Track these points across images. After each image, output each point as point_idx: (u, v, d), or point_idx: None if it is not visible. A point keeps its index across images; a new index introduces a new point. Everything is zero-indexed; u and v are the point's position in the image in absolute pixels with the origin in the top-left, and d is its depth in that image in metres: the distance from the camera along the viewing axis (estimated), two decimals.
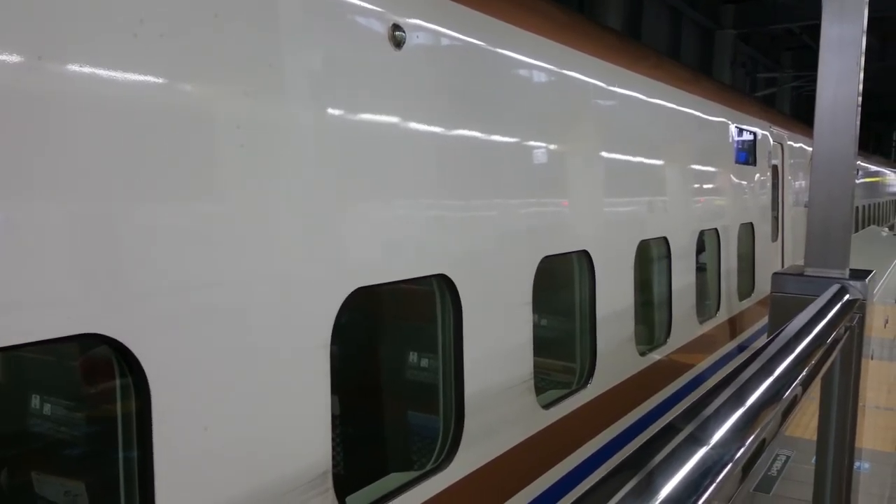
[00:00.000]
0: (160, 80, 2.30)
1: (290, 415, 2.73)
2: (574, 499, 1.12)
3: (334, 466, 2.91)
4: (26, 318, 1.97)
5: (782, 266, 10.66)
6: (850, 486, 3.13)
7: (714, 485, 1.29)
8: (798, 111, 30.68)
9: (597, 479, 1.19)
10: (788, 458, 5.81)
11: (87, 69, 2.09)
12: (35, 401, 3.39)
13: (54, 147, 2.01)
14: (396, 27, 3.23)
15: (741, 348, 8.46)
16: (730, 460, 1.39)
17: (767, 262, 9.70)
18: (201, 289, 2.42)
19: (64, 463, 3.48)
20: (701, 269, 7.46)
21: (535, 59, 4.39)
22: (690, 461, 1.32)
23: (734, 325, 8.41)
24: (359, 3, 3.10)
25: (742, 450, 1.46)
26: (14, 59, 1.93)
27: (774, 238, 10.47)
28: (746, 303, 8.89)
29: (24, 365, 3.42)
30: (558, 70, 4.64)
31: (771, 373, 1.98)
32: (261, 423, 2.61)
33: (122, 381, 2.29)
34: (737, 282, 8.53)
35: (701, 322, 7.27)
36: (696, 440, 1.41)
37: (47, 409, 3.38)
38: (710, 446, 1.40)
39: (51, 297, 2.02)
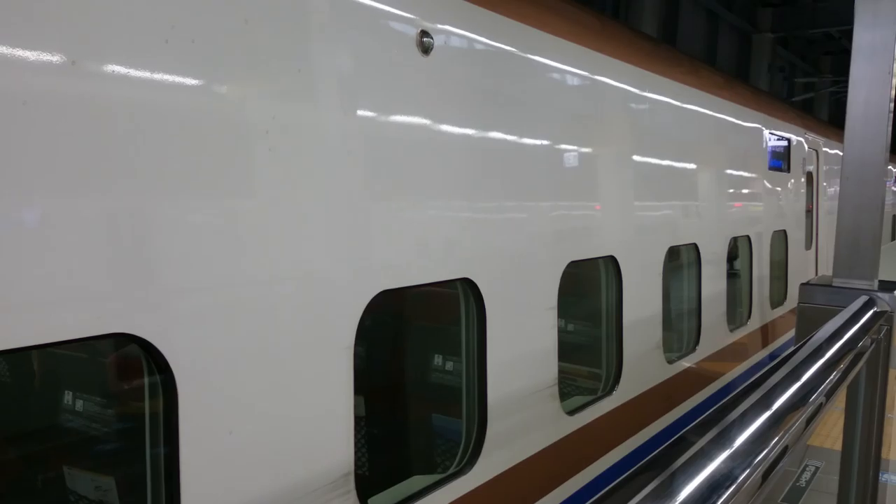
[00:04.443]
0: (191, 84, 2.35)
1: (314, 416, 2.77)
2: (594, 497, 1.13)
3: (357, 468, 2.94)
4: (57, 316, 2.03)
5: (816, 274, 10.52)
6: (876, 497, 3.09)
7: (733, 487, 1.29)
8: (836, 117, 30.17)
9: (618, 480, 1.19)
10: (817, 468, 5.73)
11: (119, 73, 2.15)
12: (67, 397, 3.46)
13: (86, 147, 2.07)
14: (424, 34, 3.26)
15: (772, 357, 8.35)
16: (749, 465, 1.39)
17: (801, 271, 9.58)
18: (228, 291, 2.46)
19: (94, 458, 3.55)
20: (732, 276, 7.38)
21: (564, 64, 4.39)
22: (712, 464, 1.33)
23: (766, 334, 8.32)
24: (388, 9, 3.13)
25: (763, 454, 1.46)
26: (51, 62, 1.99)
27: (808, 246, 10.34)
28: (779, 311, 8.78)
29: (57, 361, 3.50)
30: (588, 75, 4.64)
31: (794, 382, 1.97)
32: (284, 423, 2.65)
33: (151, 380, 2.34)
34: (769, 290, 8.44)
35: (731, 330, 7.20)
36: (718, 443, 1.42)
37: (79, 405, 3.45)
38: (732, 450, 1.41)
39: (81, 296, 2.07)
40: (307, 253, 2.74)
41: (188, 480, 2.31)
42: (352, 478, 2.89)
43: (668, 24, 19.55)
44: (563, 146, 4.40)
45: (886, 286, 3.35)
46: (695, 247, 6.29)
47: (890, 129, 3.54)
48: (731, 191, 7.35)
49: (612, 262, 4.91)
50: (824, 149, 11.01)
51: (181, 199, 2.32)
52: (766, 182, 8.31)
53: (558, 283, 4.21)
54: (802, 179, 9.83)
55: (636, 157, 5.30)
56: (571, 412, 4.42)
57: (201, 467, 2.36)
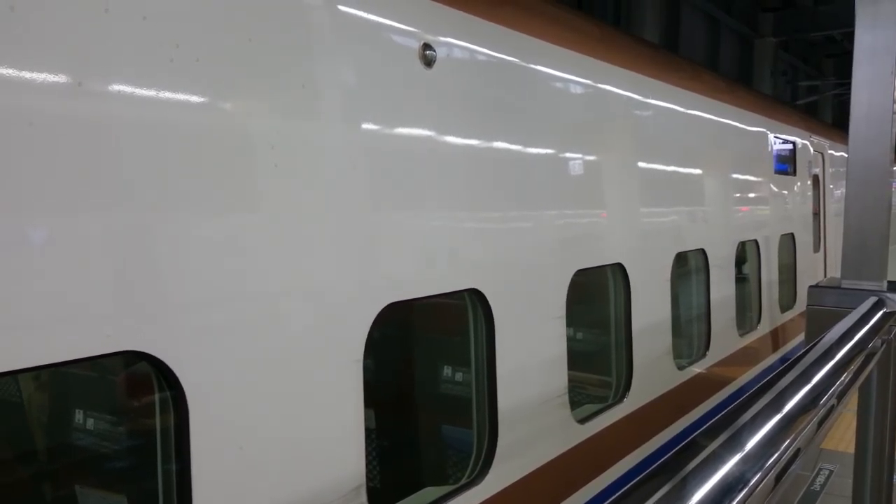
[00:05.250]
0: (196, 102, 2.37)
1: (325, 430, 2.77)
2: (605, 503, 1.13)
3: (369, 480, 2.94)
4: (66, 335, 2.04)
5: (825, 276, 10.50)
6: (891, 499, 3.07)
7: (745, 490, 1.29)
8: (840, 119, 30.08)
9: (630, 485, 1.19)
10: (831, 472, 5.70)
11: (124, 92, 2.17)
12: (78, 415, 3.47)
13: (93, 166, 2.08)
14: (427, 46, 3.28)
15: (784, 360, 8.32)
16: (761, 468, 1.39)
17: (810, 273, 9.56)
18: (237, 306, 2.47)
19: (106, 476, 3.56)
20: (741, 280, 7.37)
21: (567, 73, 4.40)
22: (723, 467, 1.33)
23: (776, 338, 8.29)
24: (390, 23, 3.15)
25: (775, 457, 1.46)
26: (57, 83, 2.01)
27: (817, 249, 10.31)
28: (789, 314, 8.75)
29: (67, 380, 3.50)
30: (591, 83, 4.65)
31: (805, 384, 1.96)
32: (295, 438, 2.65)
33: (161, 397, 2.34)
34: (778, 293, 8.42)
35: (741, 335, 7.18)
36: (729, 447, 1.41)
37: (90, 423, 3.46)
38: (743, 453, 1.40)
39: (90, 314, 2.08)
40: (314, 267, 2.75)
41: (200, 497, 2.32)
42: (363, 490, 2.88)
43: (669, 30, 19.57)
44: (568, 155, 4.40)
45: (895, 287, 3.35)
46: (703, 252, 6.28)
47: (894, 129, 3.55)
48: (738, 195, 7.34)
49: (619, 269, 4.91)
50: (829, 151, 11.00)
51: (188, 216, 2.33)
52: (772, 186, 8.30)
53: (566, 291, 4.20)
54: (809, 182, 9.82)
55: (642, 164, 5.30)
56: (582, 420, 4.41)
57: (213, 483, 2.36)
